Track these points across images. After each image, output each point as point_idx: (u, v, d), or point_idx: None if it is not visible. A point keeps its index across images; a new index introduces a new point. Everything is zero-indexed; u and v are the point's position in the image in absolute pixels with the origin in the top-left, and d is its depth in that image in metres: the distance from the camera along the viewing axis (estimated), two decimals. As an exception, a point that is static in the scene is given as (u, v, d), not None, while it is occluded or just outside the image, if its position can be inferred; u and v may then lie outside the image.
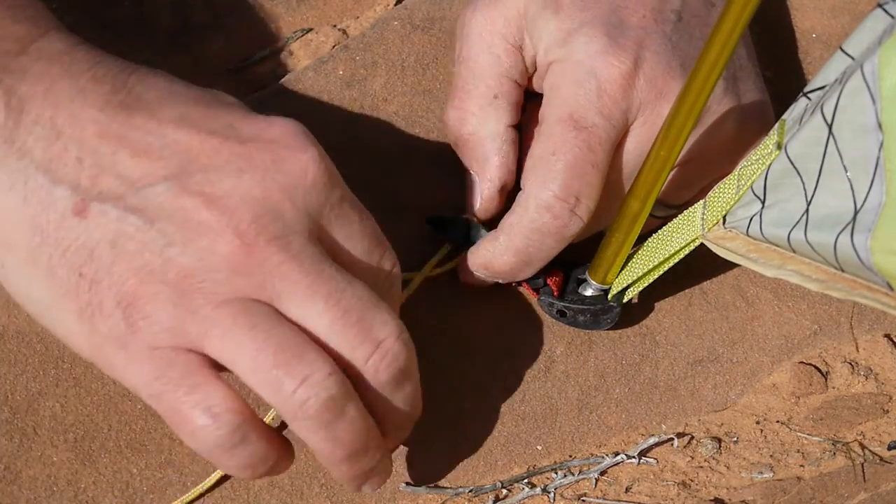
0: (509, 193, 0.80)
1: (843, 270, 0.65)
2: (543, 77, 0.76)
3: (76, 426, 0.77)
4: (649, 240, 0.76)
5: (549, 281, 0.80)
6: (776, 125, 0.68)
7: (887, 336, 0.84)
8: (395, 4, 0.94)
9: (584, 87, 0.74)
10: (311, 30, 0.93)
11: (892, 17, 0.62)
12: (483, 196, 0.79)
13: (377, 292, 0.68)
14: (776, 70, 0.88)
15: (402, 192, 0.85)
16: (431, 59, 0.89)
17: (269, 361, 0.64)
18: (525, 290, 0.82)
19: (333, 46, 0.92)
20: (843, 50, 0.65)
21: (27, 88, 0.65)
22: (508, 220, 0.76)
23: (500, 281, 0.80)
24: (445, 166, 0.86)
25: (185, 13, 0.92)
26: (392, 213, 0.84)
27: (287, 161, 0.67)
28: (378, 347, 0.66)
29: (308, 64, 0.89)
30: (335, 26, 0.93)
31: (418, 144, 0.87)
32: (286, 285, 0.65)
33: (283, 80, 0.89)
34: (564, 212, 0.74)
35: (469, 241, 0.80)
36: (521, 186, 0.76)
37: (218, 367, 0.66)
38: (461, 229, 0.80)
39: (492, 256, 0.77)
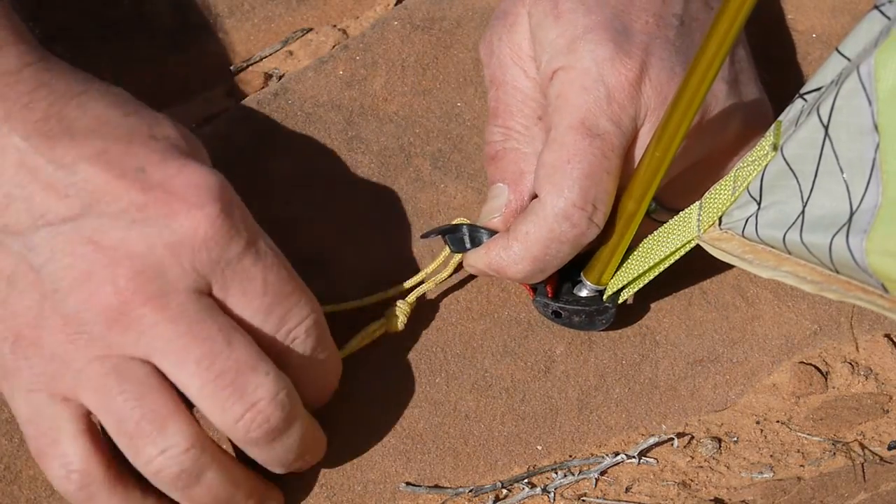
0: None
1: (838, 272, 0.65)
2: (547, 84, 0.76)
3: (76, 426, 0.77)
4: (645, 241, 0.76)
5: (544, 281, 0.80)
6: (772, 126, 0.68)
7: (887, 336, 0.84)
8: (395, 4, 0.93)
9: (594, 94, 0.74)
10: (311, 30, 0.93)
11: (888, 18, 0.62)
12: (510, 208, 0.78)
13: (276, 347, 0.69)
14: (775, 71, 0.87)
15: (402, 192, 0.85)
16: (431, 59, 0.89)
17: (131, 430, 0.66)
18: (522, 286, 0.82)
19: (333, 46, 0.92)
20: (839, 51, 0.64)
21: None
22: (523, 229, 0.75)
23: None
24: (445, 166, 0.86)
25: (185, 13, 0.92)
26: (392, 214, 0.84)
27: (179, 216, 0.66)
28: (250, 409, 0.67)
29: (308, 64, 0.90)
30: (335, 26, 0.93)
31: (418, 144, 0.87)
32: (160, 345, 0.66)
33: (283, 80, 0.89)
34: (583, 220, 0.74)
35: (472, 244, 0.79)
36: (536, 194, 0.75)
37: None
38: (463, 235, 0.80)
39: (506, 264, 0.77)
